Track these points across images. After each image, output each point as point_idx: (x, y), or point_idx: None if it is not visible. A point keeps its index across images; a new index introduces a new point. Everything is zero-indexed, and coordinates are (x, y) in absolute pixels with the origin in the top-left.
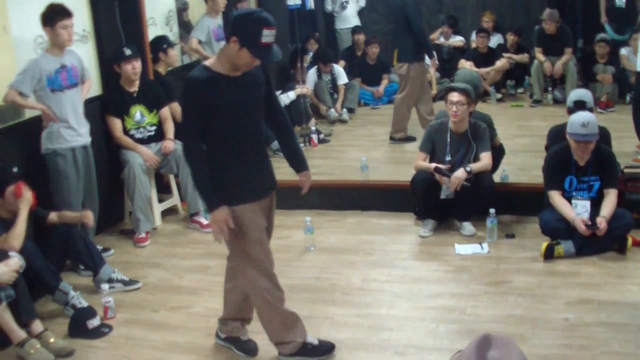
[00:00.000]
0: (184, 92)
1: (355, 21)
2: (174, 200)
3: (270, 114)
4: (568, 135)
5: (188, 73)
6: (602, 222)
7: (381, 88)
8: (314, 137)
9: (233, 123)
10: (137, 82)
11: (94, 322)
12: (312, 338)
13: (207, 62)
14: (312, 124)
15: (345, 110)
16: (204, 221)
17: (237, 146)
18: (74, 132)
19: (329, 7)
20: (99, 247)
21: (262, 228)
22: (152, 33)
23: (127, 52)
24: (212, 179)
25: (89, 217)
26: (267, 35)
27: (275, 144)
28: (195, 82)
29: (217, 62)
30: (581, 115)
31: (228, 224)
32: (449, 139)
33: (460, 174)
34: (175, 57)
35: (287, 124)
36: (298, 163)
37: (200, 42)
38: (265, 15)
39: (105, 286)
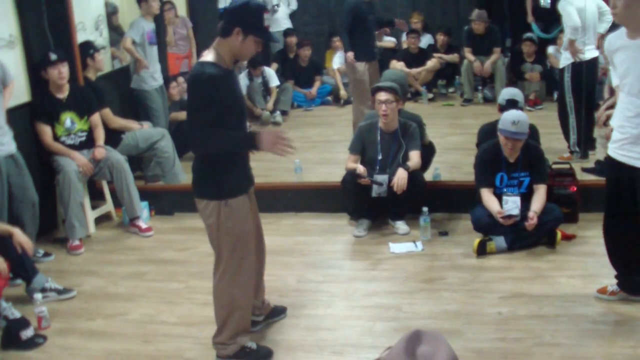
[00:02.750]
0: (199, 88)
1: (286, 24)
2: (108, 206)
3: None
4: (499, 131)
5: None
6: (533, 216)
7: (314, 90)
8: None
9: (235, 117)
10: (67, 88)
11: (27, 333)
12: (251, 342)
13: (207, 58)
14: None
15: (278, 112)
16: (143, 225)
17: None
18: None
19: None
20: (40, 252)
21: (251, 223)
22: (81, 38)
23: (53, 57)
24: (211, 173)
25: (27, 245)
26: (267, 19)
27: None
28: (213, 79)
29: (218, 56)
30: (513, 113)
31: (279, 139)
32: (379, 138)
33: (402, 174)
34: (102, 61)
35: None
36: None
37: (134, 42)
38: (259, 0)
39: (38, 296)
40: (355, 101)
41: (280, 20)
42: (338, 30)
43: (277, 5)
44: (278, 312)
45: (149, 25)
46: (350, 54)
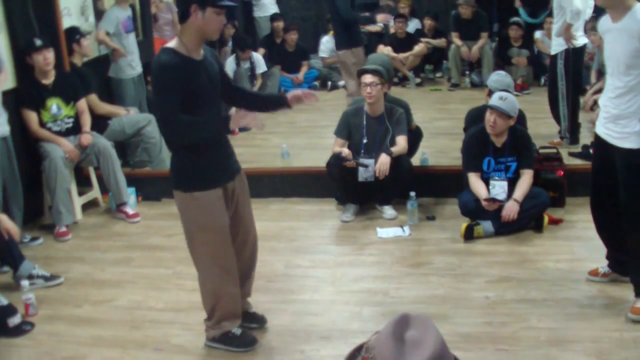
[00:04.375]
0: (159, 77)
1: (273, 9)
2: (95, 193)
3: (231, 94)
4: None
5: (105, 64)
6: (512, 207)
7: (301, 75)
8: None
9: (200, 107)
10: (52, 74)
11: (14, 320)
12: (237, 329)
13: (170, 45)
14: (232, 113)
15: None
16: (130, 211)
17: None
18: None
19: None
20: (27, 237)
21: (226, 216)
22: (67, 23)
23: (38, 42)
24: (179, 164)
25: (14, 232)
26: None
27: None
28: (170, 67)
29: (180, 44)
30: (503, 92)
31: (248, 116)
32: (365, 122)
33: (384, 159)
34: (88, 47)
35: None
36: (274, 99)
37: (108, 33)
38: None
39: (25, 283)
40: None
41: (267, 5)
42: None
43: None
44: (256, 320)
45: (124, 14)
46: (382, 16)
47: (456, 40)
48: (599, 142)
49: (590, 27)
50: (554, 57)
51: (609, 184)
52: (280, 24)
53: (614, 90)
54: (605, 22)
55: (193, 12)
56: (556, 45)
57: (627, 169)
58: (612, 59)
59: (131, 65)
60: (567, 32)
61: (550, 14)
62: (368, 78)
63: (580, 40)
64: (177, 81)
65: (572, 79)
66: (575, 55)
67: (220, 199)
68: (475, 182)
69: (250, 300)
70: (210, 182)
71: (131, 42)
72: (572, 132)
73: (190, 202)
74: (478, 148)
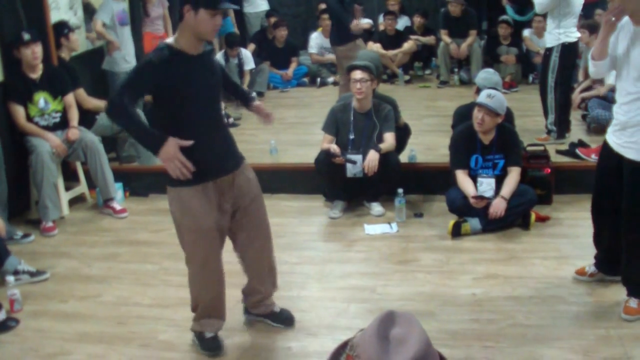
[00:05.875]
0: (138, 67)
1: (264, 5)
2: (82, 188)
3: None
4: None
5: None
6: (499, 204)
7: (290, 71)
8: None
9: (192, 101)
10: (40, 68)
11: None
12: (209, 333)
13: (168, 41)
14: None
15: (254, 93)
16: (117, 206)
17: (192, 127)
18: None
19: None
20: (19, 234)
21: (209, 217)
22: (55, 17)
23: (26, 36)
24: None
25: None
26: None
27: None
28: (152, 64)
29: (179, 39)
30: (491, 90)
31: (178, 157)
32: (352, 118)
33: (373, 155)
34: (77, 41)
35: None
36: (244, 97)
37: (104, 25)
38: None
39: (10, 278)
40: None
41: (257, 1)
42: (333, 8)
43: None
44: (278, 320)
45: (119, 6)
46: (355, 23)
47: (445, 37)
48: (606, 147)
49: (579, 25)
50: (549, 50)
51: (611, 190)
52: (273, 20)
53: (625, 96)
54: (627, 23)
55: (186, 13)
56: (552, 39)
57: (631, 180)
58: (628, 63)
59: (125, 59)
60: (536, 26)
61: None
62: (358, 74)
63: (574, 35)
64: (150, 77)
65: (562, 73)
66: (568, 50)
67: (203, 198)
68: (462, 179)
69: (237, 294)
70: (195, 178)
71: (126, 35)
72: (559, 126)
73: (175, 199)
74: (466, 145)
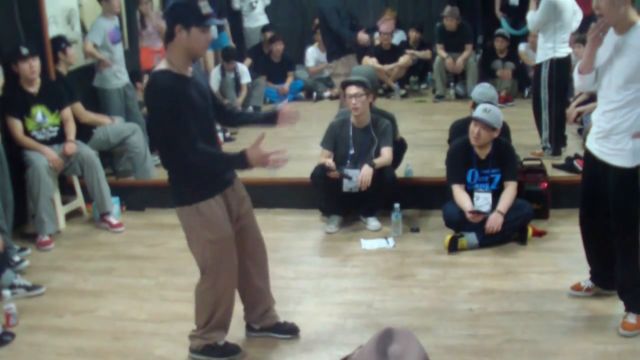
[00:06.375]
0: (158, 101)
1: (263, 19)
2: (78, 202)
3: (221, 115)
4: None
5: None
6: (493, 223)
7: (286, 85)
8: (220, 135)
9: (200, 122)
10: (38, 82)
11: None
12: (222, 340)
13: (161, 66)
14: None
15: (250, 108)
16: (114, 221)
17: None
18: None
19: (236, 5)
20: (16, 248)
21: (229, 225)
22: (53, 32)
23: (24, 51)
24: (178, 180)
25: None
26: (205, 7)
27: None
28: (172, 91)
29: (169, 63)
30: (487, 104)
31: (266, 153)
32: (351, 133)
33: (366, 170)
34: (74, 56)
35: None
36: (267, 117)
37: (95, 45)
38: None
39: (6, 292)
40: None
41: (257, 15)
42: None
43: (256, 1)
44: (283, 331)
45: (111, 24)
46: (362, 34)
47: (441, 52)
48: (589, 157)
49: (575, 39)
50: (538, 66)
51: (599, 199)
52: (269, 35)
53: (608, 104)
54: (609, 34)
55: (178, 32)
56: (541, 54)
57: (618, 187)
58: (609, 72)
59: (116, 75)
60: (532, 41)
61: None
62: (352, 89)
63: (564, 50)
64: (181, 104)
65: (556, 89)
66: (559, 66)
67: (222, 207)
68: (459, 193)
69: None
70: (211, 189)
71: (118, 52)
72: (554, 142)
73: (196, 216)
74: (462, 160)
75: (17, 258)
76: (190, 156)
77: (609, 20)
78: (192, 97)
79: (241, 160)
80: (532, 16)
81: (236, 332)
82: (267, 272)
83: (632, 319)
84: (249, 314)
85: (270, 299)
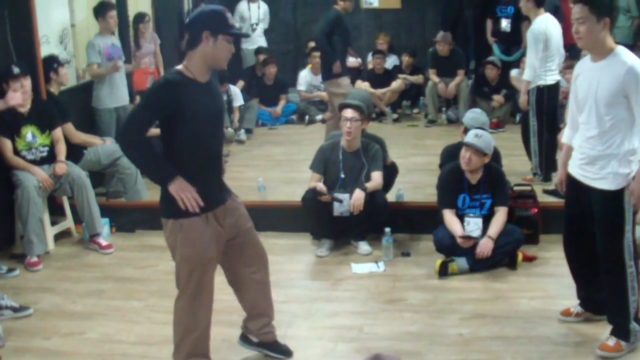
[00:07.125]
0: (152, 89)
1: (261, 41)
2: (68, 222)
3: None
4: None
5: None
6: (483, 249)
7: (279, 108)
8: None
9: (201, 130)
10: (29, 102)
11: None
12: None
13: (177, 67)
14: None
15: (243, 130)
16: (103, 242)
17: (199, 155)
18: None
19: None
20: (4, 268)
21: (210, 249)
22: (45, 51)
23: (16, 70)
24: (167, 193)
25: None
26: (231, 18)
27: None
28: (169, 83)
29: (189, 66)
30: (479, 130)
31: (190, 189)
32: (341, 157)
33: (358, 194)
34: (66, 76)
35: None
36: None
37: (98, 65)
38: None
39: None
40: (335, 118)
41: (255, 37)
42: (320, 43)
43: (256, 23)
44: (278, 350)
45: (106, 41)
46: (338, 64)
47: (433, 77)
48: (572, 182)
49: (565, 66)
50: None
51: (582, 223)
52: (262, 57)
53: (590, 130)
54: (582, 64)
55: (205, 39)
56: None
57: (603, 210)
58: (590, 99)
59: (111, 95)
60: (524, 88)
61: (525, 54)
62: (349, 112)
63: (552, 77)
64: (164, 101)
65: (545, 116)
66: (548, 93)
67: (211, 227)
68: (450, 218)
69: (223, 332)
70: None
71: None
72: (545, 168)
73: (179, 232)
74: (453, 185)
75: (3, 268)
76: (123, 137)
77: (586, 46)
78: (195, 101)
79: (166, 178)
80: (530, 60)
81: (223, 352)
82: (269, 283)
83: (611, 341)
84: (249, 324)
85: (271, 310)
